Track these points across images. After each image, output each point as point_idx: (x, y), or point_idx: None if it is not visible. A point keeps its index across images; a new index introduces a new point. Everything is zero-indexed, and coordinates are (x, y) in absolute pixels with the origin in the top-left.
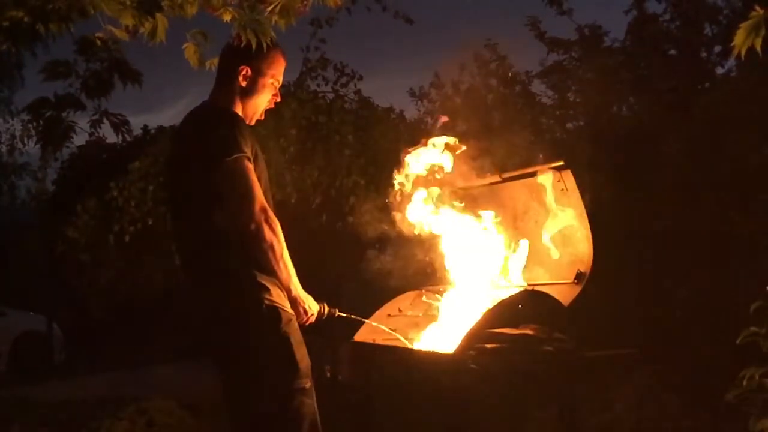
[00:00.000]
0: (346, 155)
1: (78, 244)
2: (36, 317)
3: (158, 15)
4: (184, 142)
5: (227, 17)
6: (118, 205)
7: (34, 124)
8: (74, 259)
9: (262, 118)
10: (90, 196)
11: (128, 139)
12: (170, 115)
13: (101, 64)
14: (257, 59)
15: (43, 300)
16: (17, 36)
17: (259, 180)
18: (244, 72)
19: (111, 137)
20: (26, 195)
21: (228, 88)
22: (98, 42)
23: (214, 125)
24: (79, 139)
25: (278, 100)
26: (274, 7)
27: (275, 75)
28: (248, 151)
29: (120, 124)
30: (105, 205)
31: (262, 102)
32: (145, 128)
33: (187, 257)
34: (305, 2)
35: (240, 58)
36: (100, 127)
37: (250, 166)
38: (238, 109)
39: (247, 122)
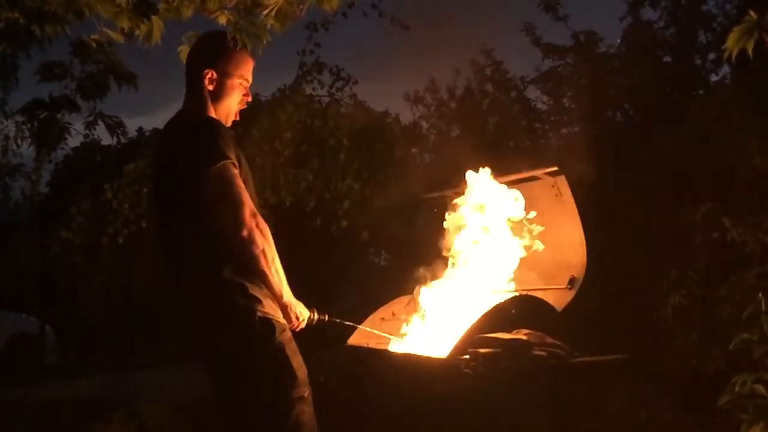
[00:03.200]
0: (341, 159)
1: (72, 245)
2: (28, 319)
3: (154, 18)
4: (167, 154)
5: (223, 20)
6: (113, 207)
7: (29, 125)
8: (67, 261)
9: (237, 119)
10: (84, 198)
11: (123, 141)
12: (165, 117)
13: (97, 66)
14: (221, 61)
15: (35, 302)
16: (13, 37)
17: (244, 184)
18: (209, 76)
19: (105, 139)
20: (20, 196)
21: (198, 94)
22: (94, 44)
23: (194, 134)
24: (74, 141)
25: (249, 99)
26: (270, 10)
27: (243, 75)
28: (232, 157)
29: (115, 126)
30: (99, 206)
31: (233, 103)
32: (139, 130)
33: (177, 270)
34: (301, 6)
35: (204, 62)
36: (94, 129)
37: (236, 171)
38: (212, 114)
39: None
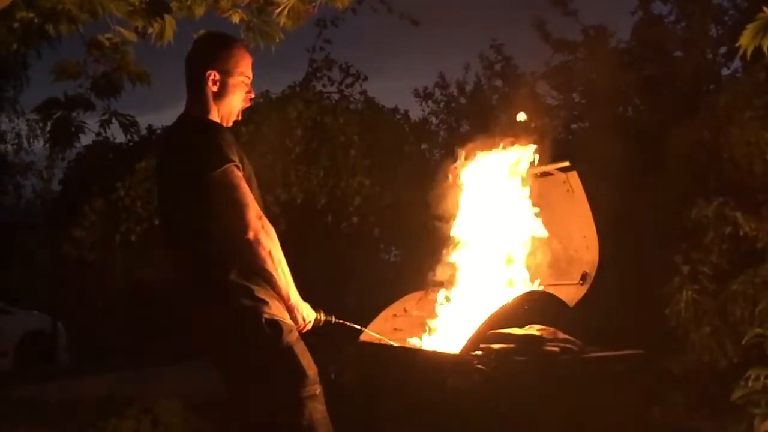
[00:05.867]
0: (352, 156)
1: (84, 243)
2: (41, 317)
3: (166, 16)
4: (170, 160)
5: (236, 19)
6: (125, 205)
7: (41, 124)
8: (80, 259)
9: (239, 118)
10: (97, 196)
11: (135, 138)
12: (174, 114)
13: (111, 65)
14: (222, 61)
15: (48, 299)
16: (27, 37)
17: (248, 185)
18: (212, 77)
19: (117, 137)
20: (31, 194)
21: (201, 96)
22: (108, 43)
23: (197, 139)
24: (86, 139)
25: (252, 96)
26: (283, 9)
27: (244, 72)
28: (236, 160)
29: (129, 125)
30: (111, 204)
31: (236, 102)
32: (149, 128)
33: (185, 273)
34: (313, 4)
35: (205, 64)
36: (109, 127)
37: (240, 174)
38: (215, 115)
39: (224, 125)
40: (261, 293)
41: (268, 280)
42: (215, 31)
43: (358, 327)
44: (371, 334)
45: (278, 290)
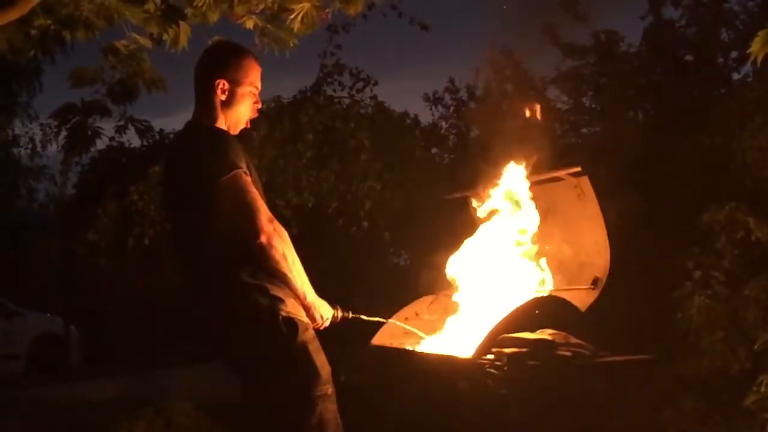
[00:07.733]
0: (362, 160)
1: (97, 247)
2: (53, 319)
3: (181, 23)
4: (178, 169)
5: (250, 24)
6: (138, 209)
7: (56, 129)
8: (93, 262)
9: (248, 126)
10: (110, 200)
11: (149, 142)
12: (185, 118)
13: (127, 71)
14: (232, 70)
15: (60, 302)
16: (44, 43)
17: None
18: (221, 85)
19: (131, 141)
20: (45, 198)
21: (209, 105)
22: (124, 50)
23: (204, 147)
24: (99, 143)
25: (260, 106)
26: (297, 14)
27: (253, 82)
28: (243, 166)
29: (145, 130)
30: (125, 208)
31: (244, 111)
32: (161, 132)
33: (197, 281)
34: (327, 10)
35: (214, 73)
36: (125, 133)
37: (249, 179)
38: (222, 124)
39: (232, 134)
40: (276, 291)
41: (283, 281)
42: (226, 40)
43: (377, 319)
44: (396, 323)
45: (294, 290)
